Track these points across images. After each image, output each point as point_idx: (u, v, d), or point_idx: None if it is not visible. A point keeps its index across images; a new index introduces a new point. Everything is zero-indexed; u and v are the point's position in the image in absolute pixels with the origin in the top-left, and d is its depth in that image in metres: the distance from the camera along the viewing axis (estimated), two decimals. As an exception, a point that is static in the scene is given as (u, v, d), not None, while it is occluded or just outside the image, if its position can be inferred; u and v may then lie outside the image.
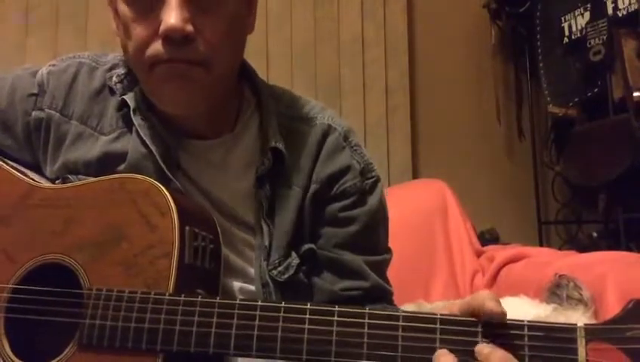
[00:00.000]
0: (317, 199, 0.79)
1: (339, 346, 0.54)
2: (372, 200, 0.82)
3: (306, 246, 0.79)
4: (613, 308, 1.16)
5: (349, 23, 2.22)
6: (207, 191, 0.78)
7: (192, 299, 0.60)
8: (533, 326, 0.48)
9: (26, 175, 0.76)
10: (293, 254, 0.78)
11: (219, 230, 0.73)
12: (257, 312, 0.57)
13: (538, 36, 2.22)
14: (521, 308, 1.29)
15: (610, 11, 1.89)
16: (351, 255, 0.80)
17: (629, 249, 1.81)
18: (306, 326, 0.55)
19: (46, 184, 0.77)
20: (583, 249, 1.75)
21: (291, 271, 0.77)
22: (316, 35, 2.20)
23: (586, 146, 2.05)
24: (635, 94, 1.76)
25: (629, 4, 1.81)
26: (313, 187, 0.79)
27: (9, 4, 2.04)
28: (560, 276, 1.29)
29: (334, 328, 0.54)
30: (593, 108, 2.02)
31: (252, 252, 0.79)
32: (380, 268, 0.84)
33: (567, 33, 2.07)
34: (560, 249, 2.08)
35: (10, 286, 0.68)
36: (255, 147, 0.80)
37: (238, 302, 0.59)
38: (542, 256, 1.62)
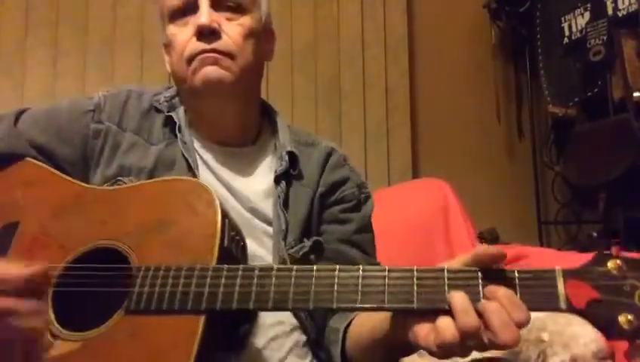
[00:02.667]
0: (323, 200, 0.96)
1: (364, 295, 0.62)
2: (365, 210, 0.99)
3: (315, 238, 0.93)
4: (613, 308, 1.17)
5: (349, 23, 2.22)
6: (233, 188, 0.92)
7: (234, 266, 0.67)
8: (522, 271, 0.61)
9: (75, 181, 0.87)
10: (306, 240, 0.92)
11: (244, 236, 0.82)
12: (293, 273, 0.65)
13: (538, 36, 2.22)
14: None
15: (610, 11, 1.89)
16: (349, 249, 0.94)
17: (629, 249, 1.81)
18: (336, 280, 0.63)
19: (96, 187, 0.88)
20: (583, 249, 1.75)
21: (306, 250, 0.90)
22: (316, 35, 2.20)
23: (586, 146, 2.05)
24: (635, 94, 1.76)
25: (629, 4, 1.81)
26: (320, 190, 0.96)
27: (9, 4, 2.04)
28: (560, 276, 1.29)
29: (359, 281, 0.63)
30: (593, 108, 2.02)
31: (270, 240, 0.91)
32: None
33: (567, 33, 2.08)
34: (560, 249, 2.08)
35: (62, 265, 0.74)
36: (272, 158, 0.98)
37: (275, 266, 0.68)
38: (542, 256, 1.62)
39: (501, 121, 2.33)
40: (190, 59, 0.87)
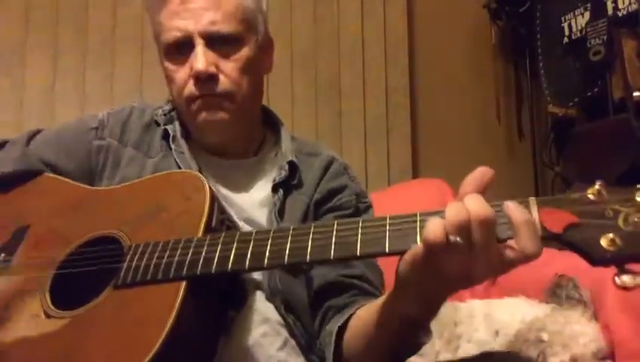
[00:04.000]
0: (319, 207, 0.96)
1: (337, 246, 0.63)
2: (364, 218, 0.95)
3: None
4: (612, 308, 1.17)
5: (349, 23, 2.22)
6: (229, 199, 0.93)
7: (216, 235, 0.70)
8: (495, 203, 0.62)
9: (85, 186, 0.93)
10: None
11: (237, 222, 0.86)
12: (270, 235, 0.67)
13: (538, 36, 2.22)
14: (520, 308, 1.29)
15: (610, 11, 1.89)
16: None
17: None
18: (311, 236, 0.64)
19: (104, 188, 0.93)
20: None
21: None
22: (316, 36, 2.20)
23: (586, 146, 2.05)
24: (635, 94, 1.76)
25: (629, 4, 1.81)
26: (317, 196, 0.96)
27: (9, 4, 2.05)
28: (560, 276, 1.29)
29: (334, 233, 0.64)
30: (593, 108, 2.02)
31: None
32: (373, 270, 0.93)
33: (567, 33, 2.07)
34: (560, 249, 2.08)
35: (62, 257, 0.79)
36: (272, 168, 0.98)
37: (254, 230, 0.70)
38: (542, 256, 1.62)
39: (501, 121, 2.33)
40: (189, 101, 0.90)
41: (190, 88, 0.89)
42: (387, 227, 0.62)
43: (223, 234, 0.70)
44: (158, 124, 0.99)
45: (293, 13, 2.19)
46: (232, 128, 0.93)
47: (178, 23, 0.88)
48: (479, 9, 2.32)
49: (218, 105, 0.89)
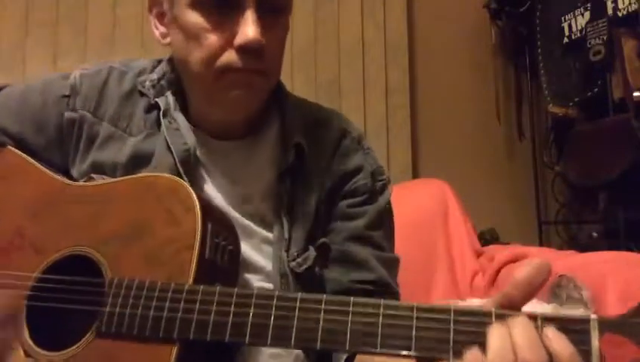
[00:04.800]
0: (331, 195, 0.84)
1: (353, 335, 0.55)
2: (381, 200, 0.87)
3: (321, 240, 0.82)
4: (613, 308, 1.17)
5: (349, 23, 2.22)
6: (228, 188, 0.81)
7: (210, 288, 0.61)
8: (547, 317, 0.49)
9: (57, 174, 0.80)
10: (311, 248, 0.81)
11: (238, 235, 0.75)
12: (274, 302, 0.58)
13: (538, 36, 2.22)
14: (521, 308, 1.29)
15: (610, 11, 1.89)
16: (359, 247, 0.83)
17: (629, 249, 1.81)
18: (322, 316, 0.56)
19: (75, 183, 0.80)
20: (583, 249, 1.75)
21: (309, 263, 0.80)
22: (316, 36, 2.20)
23: (586, 146, 2.05)
24: (635, 94, 1.76)
25: (629, 4, 1.81)
26: (328, 183, 0.84)
27: (9, 4, 2.04)
28: (560, 276, 1.29)
29: (349, 318, 0.55)
30: (593, 108, 2.02)
31: (270, 247, 0.81)
32: (389, 265, 0.86)
33: (567, 33, 2.07)
34: (560, 249, 2.08)
35: (35, 275, 0.70)
36: (277, 145, 0.84)
37: (255, 292, 0.60)
38: (542, 256, 1.62)
39: (501, 121, 2.33)
40: (221, 73, 0.74)
41: (229, 57, 0.72)
42: (414, 321, 0.53)
43: (218, 290, 0.61)
44: (142, 94, 0.84)
45: (293, 13, 2.18)
46: (255, 108, 0.80)
47: None
48: (479, 9, 2.32)
49: (255, 82, 0.75)
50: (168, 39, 0.79)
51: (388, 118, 2.20)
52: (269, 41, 0.74)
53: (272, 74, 0.78)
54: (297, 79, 2.16)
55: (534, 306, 1.39)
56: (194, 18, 0.73)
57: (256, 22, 0.71)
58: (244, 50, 0.72)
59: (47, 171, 0.79)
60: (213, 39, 0.72)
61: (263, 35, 0.72)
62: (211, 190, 0.81)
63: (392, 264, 0.87)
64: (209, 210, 0.69)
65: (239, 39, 0.71)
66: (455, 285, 1.71)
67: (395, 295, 0.85)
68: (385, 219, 0.87)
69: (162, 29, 0.80)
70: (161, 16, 0.79)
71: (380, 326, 0.53)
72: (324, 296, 0.57)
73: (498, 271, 1.66)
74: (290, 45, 2.16)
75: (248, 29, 0.71)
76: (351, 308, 0.55)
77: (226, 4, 0.72)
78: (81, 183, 0.79)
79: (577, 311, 1.19)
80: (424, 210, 1.81)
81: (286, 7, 0.78)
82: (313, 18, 2.21)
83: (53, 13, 2.06)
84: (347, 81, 2.19)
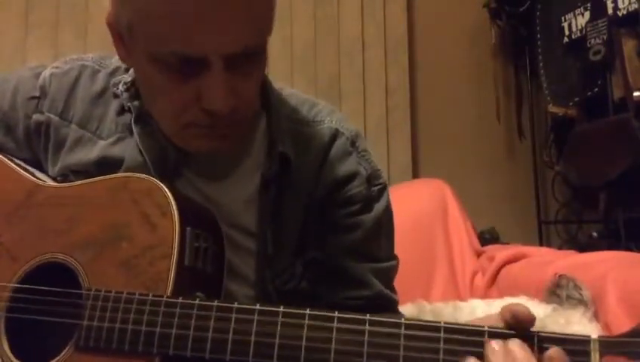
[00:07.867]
0: (322, 205, 0.77)
1: (337, 354, 0.52)
2: (378, 207, 0.80)
3: (311, 254, 0.78)
4: (613, 308, 1.16)
5: (349, 23, 2.22)
6: (209, 197, 0.76)
7: (189, 301, 0.59)
8: (545, 337, 0.47)
9: (31, 173, 0.77)
10: (297, 263, 0.77)
11: (223, 232, 0.71)
12: (255, 317, 0.56)
13: (538, 36, 2.22)
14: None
15: (610, 11, 1.88)
16: (355, 263, 0.78)
17: (629, 249, 1.81)
18: (305, 332, 0.54)
19: (50, 183, 0.77)
20: (583, 249, 1.75)
21: (295, 281, 0.76)
22: (316, 35, 2.20)
23: (586, 146, 2.05)
24: (635, 94, 1.75)
25: (629, 3, 1.81)
26: (319, 193, 0.77)
27: (9, 4, 2.04)
28: (560, 276, 1.29)
29: (333, 335, 0.53)
30: (593, 108, 2.01)
31: (253, 260, 0.76)
32: (386, 276, 0.82)
33: (567, 33, 2.07)
34: (560, 249, 2.08)
35: (12, 285, 0.68)
36: (261, 151, 0.78)
37: (235, 306, 0.58)
38: (542, 255, 1.62)
39: (501, 121, 2.33)
40: (186, 127, 0.67)
41: (195, 115, 0.65)
42: (401, 340, 0.50)
43: (198, 301, 0.59)
44: (115, 96, 0.78)
45: (293, 13, 2.19)
46: (233, 145, 0.74)
47: (192, 37, 0.60)
48: (479, 9, 2.31)
49: (228, 132, 0.68)
50: (130, 63, 0.73)
51: (388, 117, 2.20)
52: (244, 91, 0.66)
53: (248, 115, 0.71)
54: (297, 79, 2.16)
55: (534, 306, 1.39)
56: (154, 72, 0.64)
57: (225, 83, 0.62)
58: (212, 113, 0.64)
59: (20, 170, 0.76)
60: (176, 97, 0.64)
61: (235, 94, 0.64)
62: (193, 198, 0.76)
63: (390, 272, 0.84)
64: (187, 210, 0.66)
65: (206, 104, 0.63)
66: (455, 285, 1.71)
67: (392, 303, 0.82)
68: (383, 225, 0.82)
69: (122, 51, 0.71)
70: (120, 38, 0.71)
71: (365, 344, 0.51)
72: (308, 310, 0.55)
73: (498, 271, 1.66)
74: (290, 45, 2.16)
75: (216, 94, 0.62)
76: (335, 324, 0.53)
77: (191, 64, 0.61)
78: (55, 184, 0.76)
79: (577, 312, 1.19)
80: (424, 210, 1.81)
81: (261, 50, 0.67)
82: (313, 18, 2.20)
83: (53, 13, 2.06)
84: (347, 81, 2.19)
